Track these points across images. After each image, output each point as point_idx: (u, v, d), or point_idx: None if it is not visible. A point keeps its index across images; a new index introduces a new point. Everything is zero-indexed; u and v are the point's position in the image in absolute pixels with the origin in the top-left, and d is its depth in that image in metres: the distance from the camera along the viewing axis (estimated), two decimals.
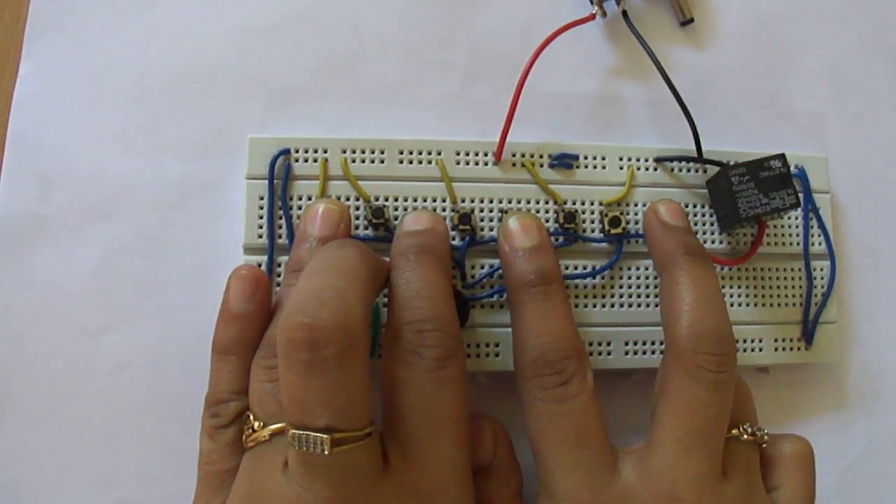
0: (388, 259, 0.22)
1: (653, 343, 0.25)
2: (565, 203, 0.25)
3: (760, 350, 0.26)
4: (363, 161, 0.25)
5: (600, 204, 0.25)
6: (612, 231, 0.25)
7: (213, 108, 0.26)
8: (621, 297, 0.25)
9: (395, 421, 0.20)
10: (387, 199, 0.24)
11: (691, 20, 0.28)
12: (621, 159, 0.26)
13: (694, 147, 0.26)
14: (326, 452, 0.17)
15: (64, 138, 0.25)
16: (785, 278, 0.26)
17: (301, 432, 0.18)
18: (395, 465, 0.19)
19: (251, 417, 0.20)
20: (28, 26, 0.26)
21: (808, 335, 0.26)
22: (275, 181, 0.24)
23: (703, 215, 0.26)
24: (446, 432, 0.20)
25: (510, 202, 0.25)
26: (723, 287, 0.26)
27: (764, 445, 0.23)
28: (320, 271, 0.19)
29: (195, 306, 0.25)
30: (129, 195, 0.25)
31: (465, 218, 0.24)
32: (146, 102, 0.26)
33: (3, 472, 0.24)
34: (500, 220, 0.25)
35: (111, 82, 0.26)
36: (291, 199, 0.24)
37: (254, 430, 0.20)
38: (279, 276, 0.24)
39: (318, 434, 0.17)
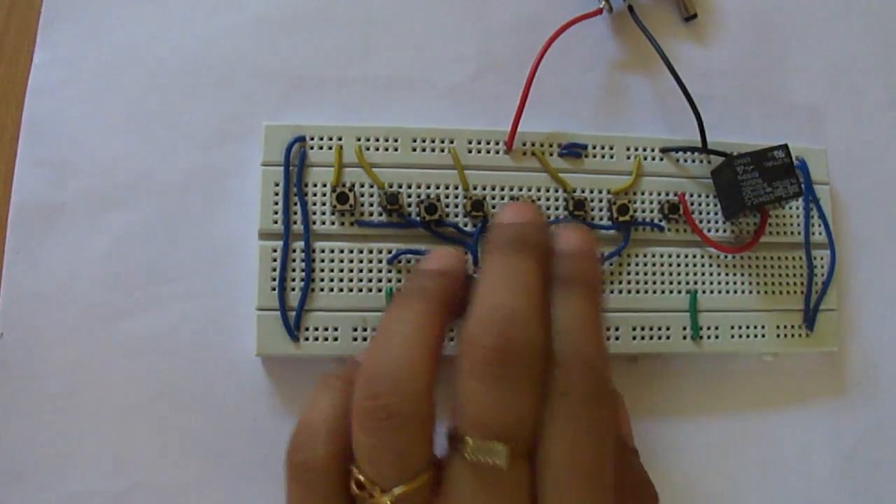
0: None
1: (660, 329, 0.26)
2: (575, 191, 0.26)
3: (763, 336, 0.27)
4: (377, 149, 0.25)
5: (608, 192, 0.26)
6: (621, 219, 0.26)
7: (229, 97, 0.26)
8: (629, 283, 0.26)
9: (537, 463, 0.19)
10: (400, 186, 0.25)
11: (694, 16, 0.29)
12: (628, 149, 0.26)
13: (699, 138, 0.26)
14: (504, 462, 0.18)
15: (79, 126, 0.26)
16: (786, 267, 0.27)
17: (481, 442, 0.18)
18: (539, 498, 0.19)
19: (359, 477, 0.19)
20: (42, 15, 0.26)
21: (809, 322, 0.27)
22: (290, 168, 0.24)
23: (708, 204, 0.27)
24: (590, 482, 0.19)
25: (521, 190, 0.25)
26: (726, 275, 0.27)
27: None
28: (505, 286, 0.19)
29: (210, 292, 0.25)
30: (144, 182, 0.25)
31: (478, 204, 0.25)
32: (161, 90, 0.26)
33: (20, 456, 0.24)
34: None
35: (126, 70, 0.26)
36: (306, 185, 0.25)
37: (371, 496, 0.18)
38: (293, 261, 0.24)
39: (497, 442, 0.18)
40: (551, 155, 0.26)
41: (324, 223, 0.25)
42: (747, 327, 0.26)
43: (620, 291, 0.26)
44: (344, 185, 0.25)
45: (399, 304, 0.20)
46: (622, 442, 0.22)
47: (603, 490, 0.19)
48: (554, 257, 0.21)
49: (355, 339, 0.24)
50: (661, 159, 0.27)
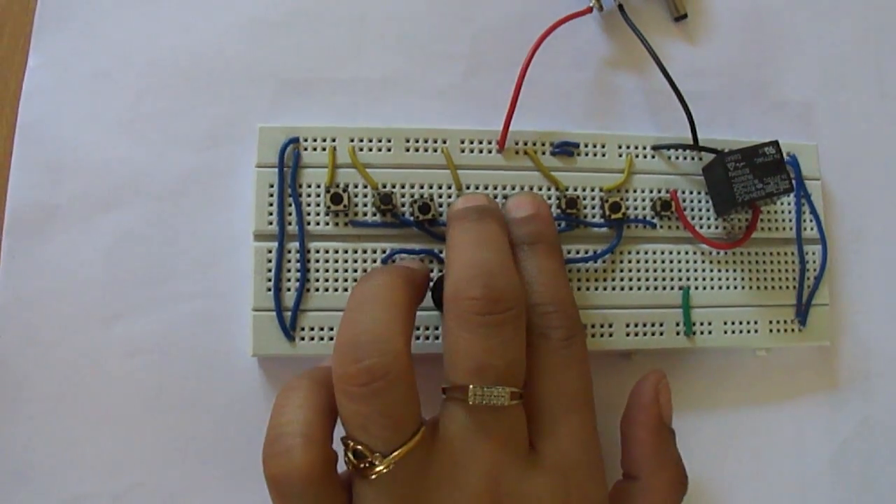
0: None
1: (653, 325, 0.26)
2: (567, 189, 0.26)
3: (756, 332, 0.27)
4: (370, 149, 0.25)
5: (601, 190, 0.26)
6: (613, 216, 0.26)
7: (223, 99, 0.26)
8: (622, 280, 0.26)
9: (526, 401, 0.21)
10: (394, 186, 0.25)
11: (685, 16, 0.29)
12: (620, 147, 0.27)
13: (690, 135, 0.27)
14: (505, 402, 0.19)
15: (73, 129, 0.26)
16: (778, 262, 0.27)
17: (482, 388, 0.19)
18: (533, 442, 0.21)
19: (357, 447, 0.19)
20: (37, 18, 0.26)
21: (802, 317, 0.27)
22: (284, 169, 0.25)
23: (700, 201, 0.27)
24: (576, 409, 0.21)
25: (514, 188, 0.26)
26: (719, 271, 0.27)
27: None
28: (478, 246, 0.21)
29: (205, 293, 0.25)
30: (139, 184, 0.26)
31: None
32: (155, 93, 0.26)
33: (18, 457, 0.24)
34: (503, 206, 0.25)
35: (120, 73, 0.26)
36: (300, 186, 0.25)
37: (371, 463, 0.19)
38: (288, 262, 0.24)
39: (497, 387, 0.19)
40: (543, 153, 0.26)
41: (318, 224, 0.25)
42: (740, 323, 0.27)
43: (614, 288, 0.26)
44: (338, 186, 0.25)
45: (363, 282, 0.21)
46: (661, 420, 0.23)
47: (588, 414, 0.21)
48: (512, 224, 0.23)
49: None
50: (653, 157, 0.27)
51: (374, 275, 0.21)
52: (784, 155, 0.25)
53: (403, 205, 0.25)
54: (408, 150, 0.25)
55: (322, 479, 0.19)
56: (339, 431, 0.20)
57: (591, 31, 0.29)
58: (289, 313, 0.24)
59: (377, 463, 0.19)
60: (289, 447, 0.19)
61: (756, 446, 0.28)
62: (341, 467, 0.20)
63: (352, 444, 0.19)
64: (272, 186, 0.25)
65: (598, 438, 0.22)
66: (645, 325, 0.26)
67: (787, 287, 0.27)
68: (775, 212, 0.28)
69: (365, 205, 0.25)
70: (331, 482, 0.19)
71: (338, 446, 0.20)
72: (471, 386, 0.19)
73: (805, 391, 0.29)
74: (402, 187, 0.25)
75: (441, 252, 0.25)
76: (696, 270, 0.27)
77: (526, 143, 0.26)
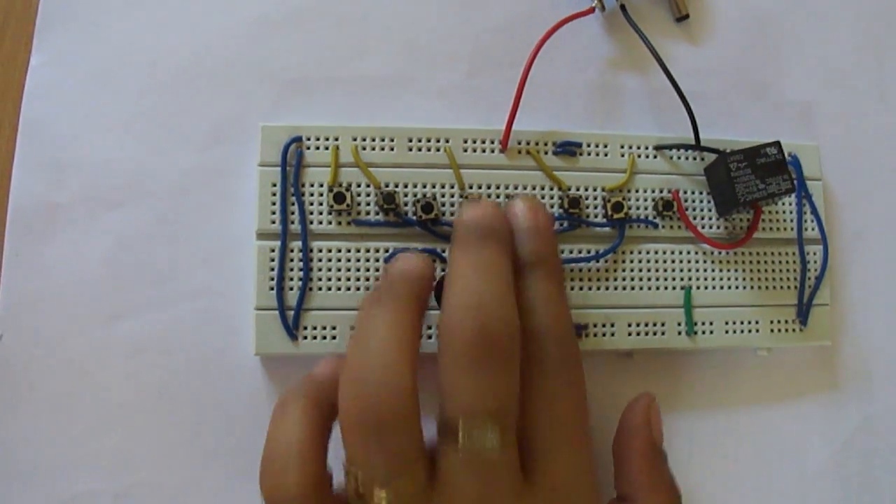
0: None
1: (654, 325, 0.26)
2: (569, 189, 0.26)
3: (757, 332, 0.27)
4: (373, 148, 0.25)
5: (603, 190, 0.26)
6: (615, 216, 0.26)
7: (226, 98, 0.26)
8: (624, 279, 0.26)
9: (520, 429, 0.20)
10: (397, 186, 0.25)
11: (687, 16, 0.29)
12: (622, 147, 0.27)
13: (692, 135, 0.27)
14: (496, 444, 0.19)
15: (76, 127, 0.26)
16: (780, 262, 0.27)
17: (472, 430, 0.19)
18: (526, 471, 0.20)
19: (357, 476, 0.19)
20: (40, 16, 0.26)
21: (803, 317, 0.27)
22: (287, 168, 0.25)
23: (701, 201, 0.27)
24: (569, 437, 0.21)
25: (516, 188, 0.26)
26: (720, 271, 0.27)
27: None
28: (476, 273, 0.20)
29: (208, 292, 0.25)
30: (142, 183, 0.26)
31: None
32: (158, 91, 0.26)
33: (21, 456, 0.24)
34: (505, 206, 0.25)
35: (123, 72, 0.26)
36: (303, 185, 0.25)
37: (371, 494, 0.19)
38: (291, 261, 0.24)
39: (488, 426, 0.19)
40: (546, 153, 0.26)
41: (321, 223, 0.25)
42: (741, 322, 0.27)
43: (616, 288, 0.26)
44: (341, 185, 0.25)
45: (372, 305, 0.20)
46: (653, 443, 0.23)
47: (582, 441, 0.21)
48: (514, 236, 0.22)
49: None
50: (655, 157, 0.27)
51: (381, 299, 0.20)
52: (786, 155, 0.25)
53: (406, 204, 0.25)
54: (410, 149, 0.25)
55: (317, 499, 0.19)
56: (337, 443, 0.20)
57: (594, 32, 0.29)
58: (291, 312, 0.24)
59: (376, 493, 0.18)
60: (284, 467, 0.19)
61: (756, 446, 0.28)
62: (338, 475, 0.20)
63: (353, 470, 0.19)
64: (275, 185, 0.25)
65: (592, 464, 0.21)
66: (646, 325, 0.26)
67: (789, 287, 0.27)
68: (777, 212, 0.28)
69: (368, 204, 0.25)
70: (326, 501, 0.19)
71: (337, 460, 0.20)
72: (461, 424, 0.19)
73: (806, 391, 0.29)
74: (405, 186, 0.25)
75: (444, 252, 0.25)
76: (697, 270, 0.27)
77: (528, 143, 0.26)
